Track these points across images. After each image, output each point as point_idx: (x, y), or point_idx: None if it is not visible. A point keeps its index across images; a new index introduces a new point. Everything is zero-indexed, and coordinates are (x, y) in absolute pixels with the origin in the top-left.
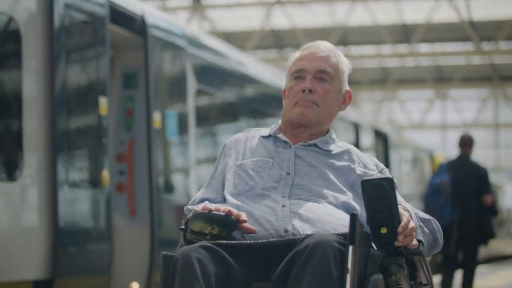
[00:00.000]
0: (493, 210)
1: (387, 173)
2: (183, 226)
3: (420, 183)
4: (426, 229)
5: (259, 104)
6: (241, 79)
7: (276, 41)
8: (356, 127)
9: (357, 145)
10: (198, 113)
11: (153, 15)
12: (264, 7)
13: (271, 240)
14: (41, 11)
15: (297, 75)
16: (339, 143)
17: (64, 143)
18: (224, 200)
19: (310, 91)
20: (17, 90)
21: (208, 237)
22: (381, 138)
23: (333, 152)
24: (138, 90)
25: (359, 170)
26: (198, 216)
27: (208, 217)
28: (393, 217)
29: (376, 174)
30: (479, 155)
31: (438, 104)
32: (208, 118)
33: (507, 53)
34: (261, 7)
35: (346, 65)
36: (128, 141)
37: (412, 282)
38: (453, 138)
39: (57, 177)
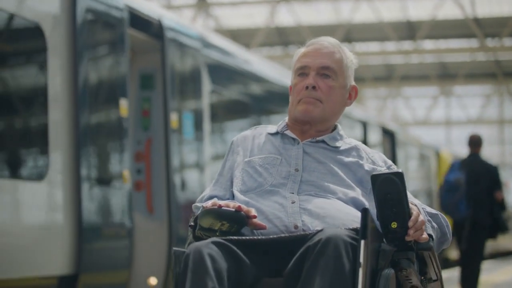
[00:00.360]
0: (502, 205)
1: (395, 169)
2: (192, 223)
3: (426, 179)
4: (434, 224)
5: (270, 103)
6: (252, 78)
7: (281, 38)
8: (364, 125)
9: (364, 142)
10: (213, 113)
11: (170, 19)
12: (269, 4)
13: (282, 235)
14: (64, 16)
15: (301, 71)
16: (347, 139)
17: (87, 143)
18: (232, 197)
19: (314, 87)
20: (43, 93)
21: (217, 234)
22: (388, 135)
23: (341, 148)
24: (155, 91)
25: (367, 166)
26: (208, 212)
27: (218, 213)
28: (404, 212)
29: (384, 170)
30: (484, 152)
31: (442, 100)
32: (222, 118)
33: (511, 49)
34: (266, 4)
35: (351, 61)
36: (145, 141)
37: (422, 278)
38: (458, 135)
39: (81, 177)
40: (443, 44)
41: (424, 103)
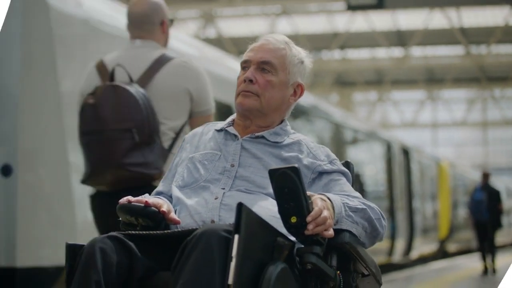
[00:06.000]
0: (502, 211)
1: (337, 164)
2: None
3: (430, 184)
4: (358, 219)
5: None
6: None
7: None
8: (389, 146)
9: (389, 160)
10: None
11: None
12: (269, 17)
13: (175, 230)
14: None
15: (244, 65)
16: (293, 135)
17: None
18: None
19: (251, 81)
20: None
21: (138, 228)
22: (404, 152)
23: (283, 143)
24: None
25: (306, 160)
26: (120, 208)
27: (127, 208)
28: (301, 206)
29: (325, 165)
30: (468, 152)
31: (429, 104)
32: None
33: (494, 57)
34: (266, 17)
35: (299, 59)
36: None
37: (339, 272)
38: (443, 136)
39: None
40: (431, 51)
41: (411, 106)
